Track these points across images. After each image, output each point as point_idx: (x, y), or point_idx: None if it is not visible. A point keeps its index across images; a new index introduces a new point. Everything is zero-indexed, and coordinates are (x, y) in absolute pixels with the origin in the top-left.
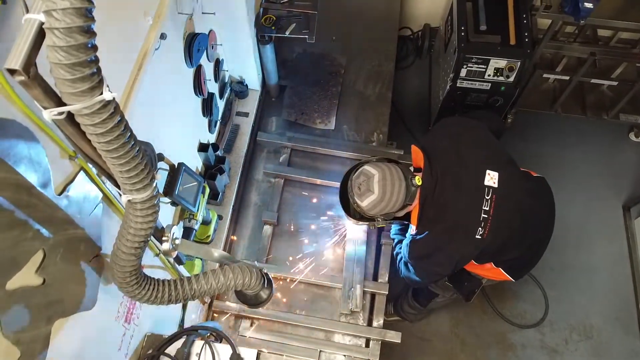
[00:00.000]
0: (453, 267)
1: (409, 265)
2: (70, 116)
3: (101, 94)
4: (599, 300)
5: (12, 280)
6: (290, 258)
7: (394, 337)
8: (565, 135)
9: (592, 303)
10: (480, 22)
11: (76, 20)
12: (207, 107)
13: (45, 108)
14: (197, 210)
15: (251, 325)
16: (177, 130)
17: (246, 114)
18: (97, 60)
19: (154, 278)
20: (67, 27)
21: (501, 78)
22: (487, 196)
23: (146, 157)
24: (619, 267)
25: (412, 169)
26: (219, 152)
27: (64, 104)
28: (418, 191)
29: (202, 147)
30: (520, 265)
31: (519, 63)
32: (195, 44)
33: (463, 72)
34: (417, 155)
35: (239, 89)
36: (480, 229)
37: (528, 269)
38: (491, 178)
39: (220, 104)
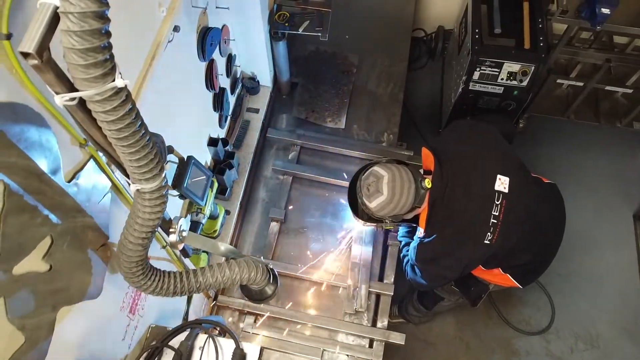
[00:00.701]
0: (460, 272)
1: (415, 268)
2: (81, 102)
3: (113, 80)
4: (606, 309)
5: (19, 265)
6: (296, 255)
7: (398, 338)
8: (577, 142)
9: (599, 312)
10: (495, 25)
11: (91, 5)
12: (218, 101)
13: (57, 93)
14: (205, 204)
15: (255, 321)
16: (187, 123)
17: (257, 110)
18: (110, 46)
19: (159, 269)
20: (82, 12)
21: (514, 82)
22: (497, 201)
23: (156, 147)
24: (627, 277)
25: (421, 171)
26: (228, 147)
27: (76, 90)
28: (427, 194)
29: (212, 142)
30: (528, 271)
31: (532, 67)
32: (208, 38)
33: (476, 75)
34: (428, 158)
35: (251, 85)
36: (489, 234)
37: (536, 275)
38: (502, 183)
39: (231, 100)
